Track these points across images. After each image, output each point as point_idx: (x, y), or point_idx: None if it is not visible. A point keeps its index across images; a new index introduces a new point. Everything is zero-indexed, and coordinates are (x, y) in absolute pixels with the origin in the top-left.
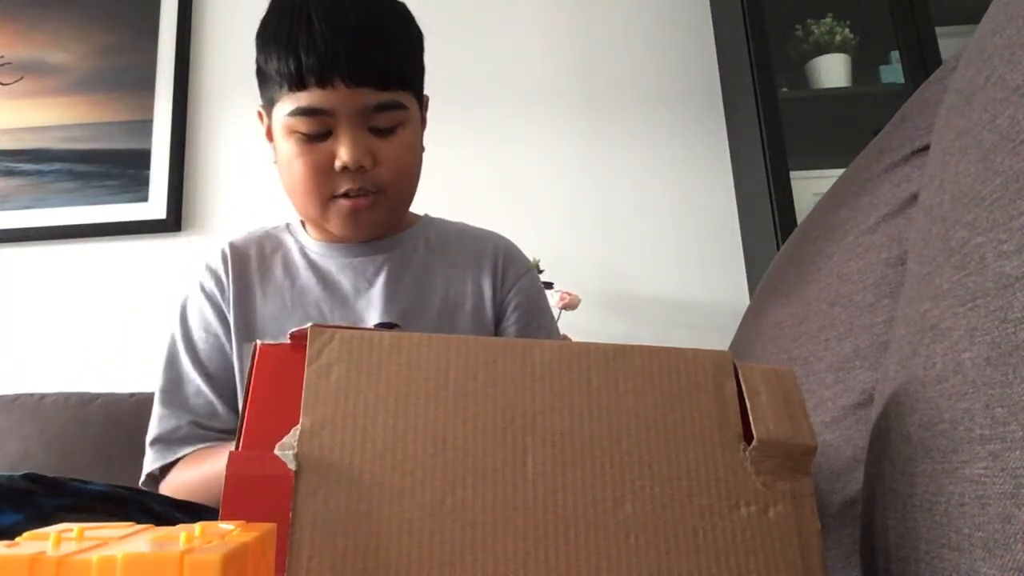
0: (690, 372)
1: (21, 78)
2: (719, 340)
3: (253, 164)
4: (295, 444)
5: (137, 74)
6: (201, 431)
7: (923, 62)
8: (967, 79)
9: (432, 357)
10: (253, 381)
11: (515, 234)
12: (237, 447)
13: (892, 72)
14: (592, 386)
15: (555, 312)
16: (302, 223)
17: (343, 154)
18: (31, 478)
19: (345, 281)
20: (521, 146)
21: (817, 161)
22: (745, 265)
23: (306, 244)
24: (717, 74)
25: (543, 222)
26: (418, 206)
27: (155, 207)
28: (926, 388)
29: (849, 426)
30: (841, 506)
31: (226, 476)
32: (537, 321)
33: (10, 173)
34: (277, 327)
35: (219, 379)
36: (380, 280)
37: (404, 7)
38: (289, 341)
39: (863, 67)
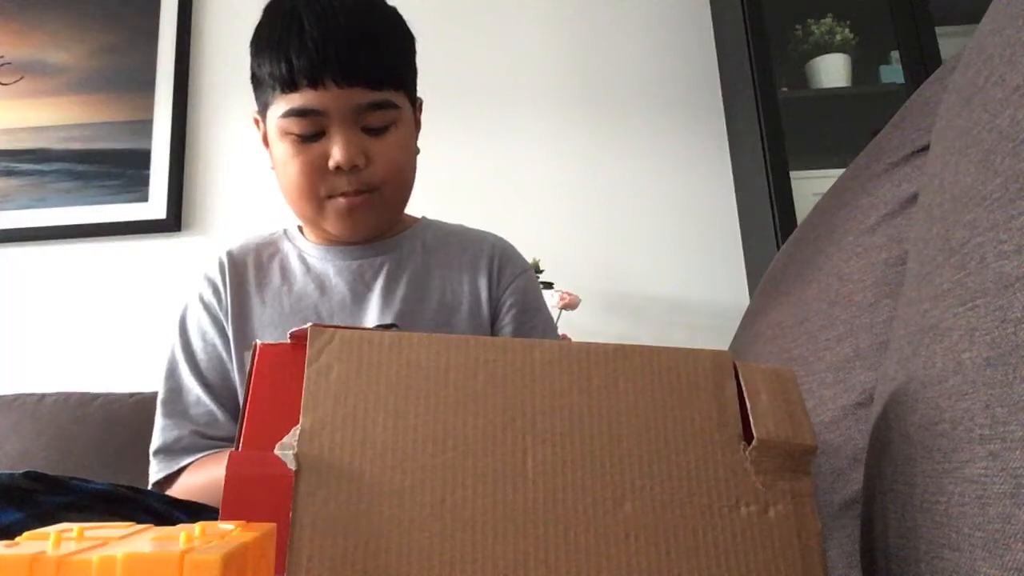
0: (690, 372)
1: (21, 78)
2: (719, 340)
3: (253, 164)
4: (295, 444)
5: (137, 74)
6: (203, 440)
7: (923, 62)
8: (967, 79)
9: (432, 357)
10: (253, 381)
11: (515, 234)
12: (237, 447)
13: (892, 72)
14: (592, 386)
15: (555, 312)
16: (299, 228)
17: (336, 153)
18: (32, 477)
19: (343, 285)
20: (521, 146)
21: (817, 161)
22: (745, 265)
23: (304, 249)
24: (717, 74)
25: (543, 222)
26: (418, 206)
27: (155, 207)
28: (926, 388)
29: (849, 426)
30: (841, 506)
31: (226, 476)
32: (532, 321)
33: (10, 173)
34: (275, 334)
35: (219, 388)
36: (378, 283)
37: (395, 11)
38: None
39: (863, 67)
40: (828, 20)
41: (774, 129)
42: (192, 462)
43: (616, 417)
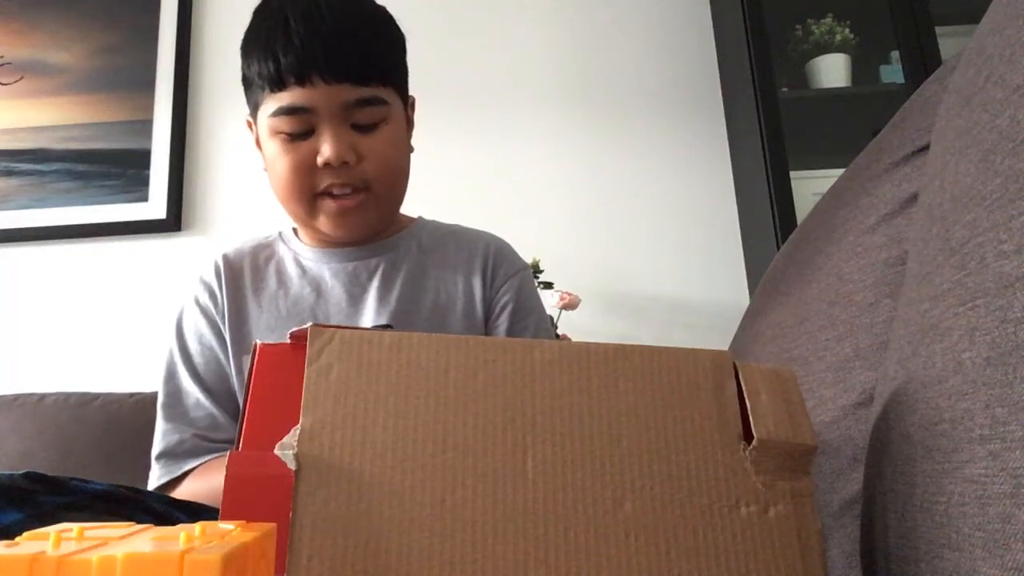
0: (690, 372)
1: (21, 78)
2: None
3: (253, 164)
4: (295, 444)
5: (137, 74)
6: (205, 443)
7: (923, 62)
8: (967, 79)
9: (432, 357)
10: (253, 381)
11: (515, 234)
12: (237, 447)
13: (892, 72)
14: (592, 386)
15: (555, 312)
16: (294, 230)
17: (325, 150)
18: (32, 477)
19: (339, 287)
20: (521, 146)
21: (817, 161)
22: (745, 265)
23: (299, 251)
24: (717, 74)
25: (543, 222)
26: (418, 206)
27: (155, 207)
28: (926, 388)
29: (849, 426)
30: (841, 506)
31: (226, 476)
32: (524, 321)
33: (10, 173)
34: (273, 338)
35: (218, 391)
36: (373, 284)
37: (383, 9)
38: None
39: (863, 67)
40: (828, 20)
41: (774, 129)
42: (196, 467)
43: (616, 417)
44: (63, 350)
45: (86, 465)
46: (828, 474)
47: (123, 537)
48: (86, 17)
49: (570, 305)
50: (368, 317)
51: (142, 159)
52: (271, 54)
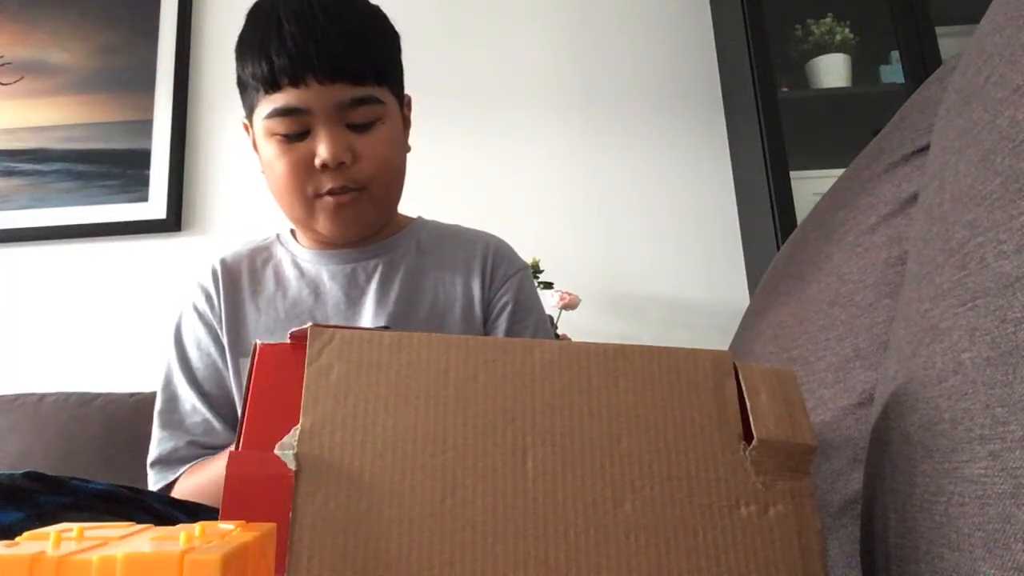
0: (690, 372)
1: (21, 78)
2: (719, 340)
3: (253, 164)
4: (295, 444)
5: (137, 74)
6: (200, 450)
7: (923, 62)
8: (967, 79)
9: (432, 357)
10: (253, 381)
11: (515, 234)
12: (237, 447)
13: (892, 72)
14: (592, 386)
15: (555, 312)
16: (292, 232)
17: (322, 151)
18: (32, 476)
19: (336, 289)
20: (521, 146)
21: (817, 161)
22: (745, 265)
23: (297, 253)
24: (717, 74)
25: (543, 222)
26: (418, 206)
27: (155, 207)
28: (926, 388)
29: (849, 426)
30: (841, 506)
31: (226, 476)
32: (524, 321)
33: (10, 173)
34: (271, 340)
35: (215, 397)
36: (372, 286)
37: (376, 8)
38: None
39: (863, 67)
40: (828, 20)
41: (774, 129)
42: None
43: (616, 417)
44: (63, 350)
45: (86, 465)
46: (828, 474)
47: (123, 537)
48: (86, 17)
49: (570, 305)
50: (366, 318)
51: (142, 159)
52: (264, 56)
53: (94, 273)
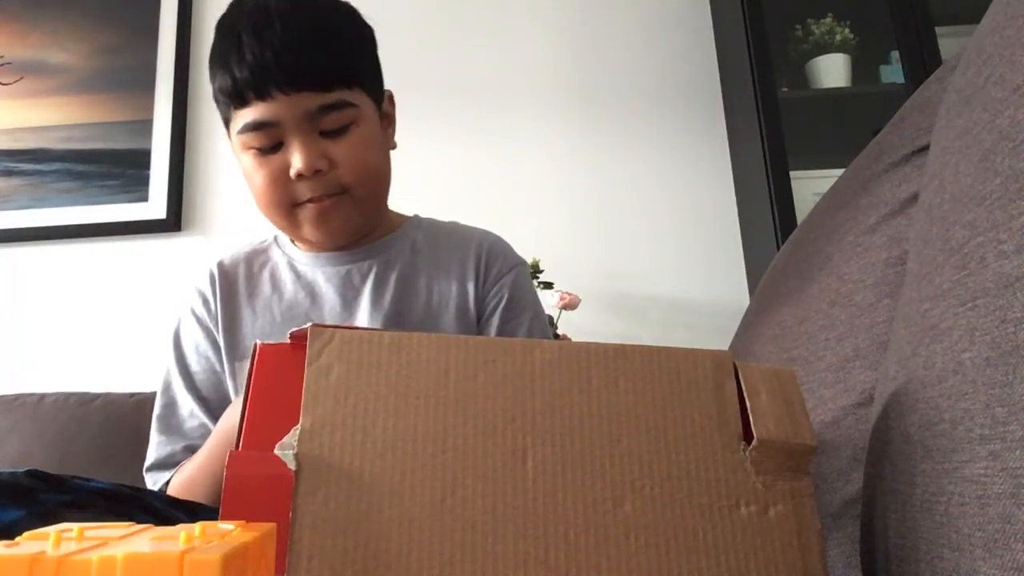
0: (690, 372)
1: (21, 78)
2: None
3: None
4: (295, 444)
5: (137, 74)
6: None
7: (923, 62)
8: (967, 79)
9: (432, 357)
10: (253, 381)
11: (515, 234)
12: (237, 447)
13: (892, 72)
14: (592, 386)
15: (555, 312)
16: None
17: (296, 162)
18: (33, 475)
19: (332, 291)
20: (521, 146)
21: (817, 161)
22: (745, 265)
23: (293, 256)
24: (717, 74)
25: (543, 222)
26: (417, 206)
27: (155, 207)
28: (926, 388)
29: (849, 426)
30: (841, 506)
31: (226, 476)
32: (518, 318)
33: (10, 173)
34: None
35: (212, 401)
36: (367, 287)
37: (344, 6)
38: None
39: (863, 67)
40: (828, 20)
41: (774, 129)
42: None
43: (616, 417)
44: (63, 350)
45: (86, 465)
46: (828, 474)
47: (123, 537)
48: (86, 17)
49: (570, 305)
50: (362, 320)
51: (142, 159)
52: (227, 71)
53: (94, 273)
